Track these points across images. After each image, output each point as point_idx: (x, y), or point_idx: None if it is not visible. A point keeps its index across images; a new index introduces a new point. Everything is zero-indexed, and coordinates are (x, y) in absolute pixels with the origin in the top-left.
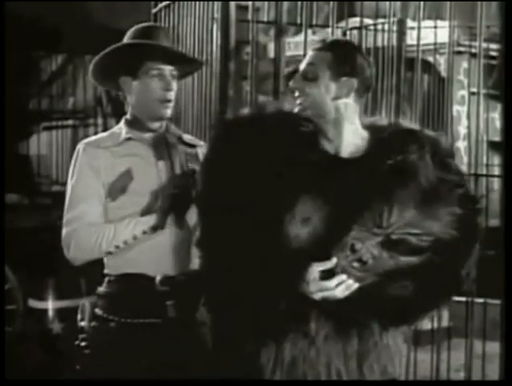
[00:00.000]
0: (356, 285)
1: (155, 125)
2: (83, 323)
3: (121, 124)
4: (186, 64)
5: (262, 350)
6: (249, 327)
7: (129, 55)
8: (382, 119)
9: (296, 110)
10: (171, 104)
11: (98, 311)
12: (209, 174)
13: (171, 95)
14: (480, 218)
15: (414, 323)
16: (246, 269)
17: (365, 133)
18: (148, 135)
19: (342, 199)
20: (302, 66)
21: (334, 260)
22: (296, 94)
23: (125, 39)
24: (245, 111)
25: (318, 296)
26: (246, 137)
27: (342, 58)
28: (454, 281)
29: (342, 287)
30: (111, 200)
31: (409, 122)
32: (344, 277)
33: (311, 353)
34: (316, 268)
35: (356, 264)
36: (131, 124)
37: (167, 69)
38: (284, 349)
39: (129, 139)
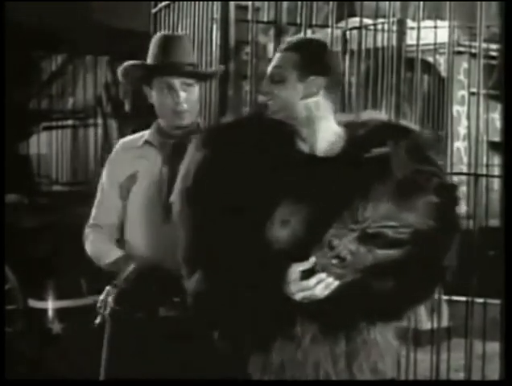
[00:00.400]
0: (336, 283)
1: (176, 132)
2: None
3: (152, 126)
4: (196, 76)
5: (250, 355)
6: (236, 332)
7: (141, 70)
8: (362, 115)
9: (268, 113)
10: (186, 114)
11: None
12: (190, 182)
13: (182, 106)
14: (458, 207)
15: (401, 318)
16: (230, 275)
17: (341, 131)
18: (169, 141)
19: (319, 198)
20: (269, 68)
21: (313, 260)
22: (266, 97)
23: (150, 47)
24: (223, 119)
25: (299, 296)
26: (224, 145)
27: (308, 57)
28: (436, 273)
29: (321, 286)
30: (123, 200)
31: (387, 116)
32: (323, 275)
33: (298, 356)
34: (296, 269)
35: (335, 261)
36: (157, 128)
37: (177, 82)
38: (272, 353)
39: (146, 142)
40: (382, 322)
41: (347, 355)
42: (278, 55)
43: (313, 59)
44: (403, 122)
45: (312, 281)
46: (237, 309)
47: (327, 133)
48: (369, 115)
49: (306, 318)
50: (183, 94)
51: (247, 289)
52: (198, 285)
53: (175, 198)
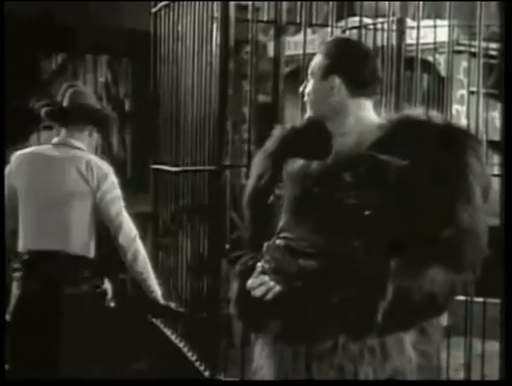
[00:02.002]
0: (277, 289)
1: None
2: None
3: None
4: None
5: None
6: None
7: None
8: (401, 113)
9: (307, 114)
10: None
11: None
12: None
13: None
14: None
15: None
16: None
17: (373, 129)
18: None
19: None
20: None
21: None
22: (305, 98)
23: None
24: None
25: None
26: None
27: (327, 56)
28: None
29: (262, 288)
30: None
31: (422, 114)
32: (265, 278)
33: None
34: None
35: (266, 266)
36: None
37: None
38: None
39: None
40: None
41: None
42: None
43: (330, 58)
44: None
45: (255, 281)
46: None
47: (353, 130)
48: (406, 112)
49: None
50: None
51: None
52: None
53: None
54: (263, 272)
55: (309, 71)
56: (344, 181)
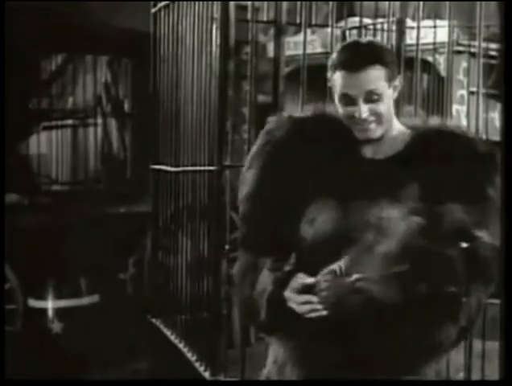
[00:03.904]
0: (323, 313)
1: None
2: None
3: None
4: None
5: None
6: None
7: None
8: (430, 121)
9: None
10: None
11: None
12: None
13: None
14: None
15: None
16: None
17: (405, 133)
18: None
19: (352, 199)
20: None
21: (313, 279)
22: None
23: None
24: (296, 112)
25: (289, 303)
26: (287, 137)
27: (384, 64)
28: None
29: (307, 307)
30: None
31: (455, 126)
32: (314, 298)
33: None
34: (299, 279)
35: (323, 295)
36: None
37: None
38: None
39: None
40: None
41: None
42: None
43: (389, 65)
44: (470, 134)
45: (301, 298)
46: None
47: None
48: (438, 122)
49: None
50: None
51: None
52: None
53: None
54: (317, 293)
55: (369, 90)
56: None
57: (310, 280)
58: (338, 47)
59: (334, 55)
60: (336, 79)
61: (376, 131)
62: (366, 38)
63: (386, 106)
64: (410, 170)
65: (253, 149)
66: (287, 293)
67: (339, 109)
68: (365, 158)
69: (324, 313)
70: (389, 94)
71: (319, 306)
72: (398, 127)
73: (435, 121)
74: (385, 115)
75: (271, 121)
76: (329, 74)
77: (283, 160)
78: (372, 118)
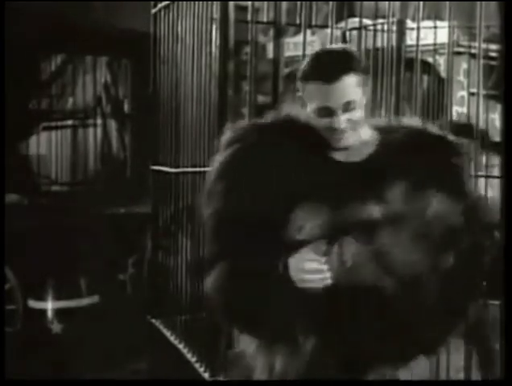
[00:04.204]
0: (330, 281)
1: None
2: None
3: None
4: None
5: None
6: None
7: None
8: (396, 121)
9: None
10: None
11: None
12: (223, 179)
13: None
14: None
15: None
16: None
17: (373, 134)
18: None
19: (337, 204)
20: None
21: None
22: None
23: None
24: (255, 119)
25: (297, 276)
26: (252, 145)
27: (358, 71)
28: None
29: (318, 276)
30: None
31: (422, 123)
32: (324, 267)
33: (300, 362)
34: (306, 252)
35: (337, 261)
36: None
37: None
38: (275, 359)
39: None
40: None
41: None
42: None
43: (362, 70)
44: (438, 131)
45: (312, 264)
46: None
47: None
48: (404, 121)
49: (307, 327)
50: None
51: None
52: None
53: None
54: (327, 262)
55: (348, 101)
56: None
57: (323, 246)
58: (309, 56)
59: (305, 65)
60: (311, 91)
61: (351, 138)
62: (335, 45)
63: (360, 112)
64: (386, 170)
65: (220, 159)
66: (294, 263)
67: (314, 120)
68: (339, 161)
69: (330, 281)
70: (362, 100)
71: (329, 274)
72: (365, 129)
73: (396, 120)
74: (359, 122)
75: (233, 129)
76: (300, 84)
77: (258, 169)
78: (348, 126)
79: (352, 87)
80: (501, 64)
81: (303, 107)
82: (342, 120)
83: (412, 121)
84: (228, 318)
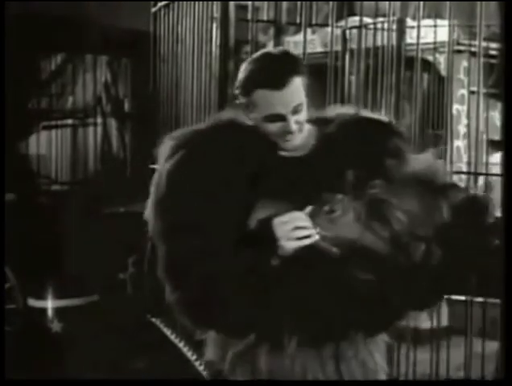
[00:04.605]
0: (315, 239)
1: None
2: None
3: None
4: None
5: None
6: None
7: None
8: (329, 111)
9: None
10: None
11: None
12: (170, 187)
13: None
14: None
15: (387, 328)
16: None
17: (310, 128)
18: None
19: (293, 199)
20: None
21: (308, 209)
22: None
23: None
24: (200, 124)
25: (286, 243)
26: (197, 151)
27: (302, 74)
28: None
29: (304, 232)
30: None
31: (355, 109)
32: (309, 223)
33: (285, 362)
34: (287, 215)
35: (325, 210)
36: None
37: None
38: (259, 360)
39: None
40: (371, 331)
41: (335, 357)
42: None
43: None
44: (372, 114)
45: (298, 222)
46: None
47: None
48: (336, 110)
49: (291, 325)
50: None
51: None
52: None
53: (148, 211)
54: (312, 216)
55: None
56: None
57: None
58: (248, 62)
59: (248, 72)
60: (259, 98)
61: (298, 138)
62: (275, 48)
63: (305, 112)
64: (333, 160)
65: (168, 168)
66: (279, 223)
67: (262, 125)
68: (286, 157)
69: (315, 239)
70: (306, 100)
71: (314, 230)
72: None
73: (333, 109)
74: (304, 122)
75: (173, 137)
76: (243, 92)
77: (208, 173)
78: (297, 128)
79: (298, 90)
80: (502, 64)
81: (245, 114)
82: (292, 123)
83: (346, 108)
84: (205, 323)
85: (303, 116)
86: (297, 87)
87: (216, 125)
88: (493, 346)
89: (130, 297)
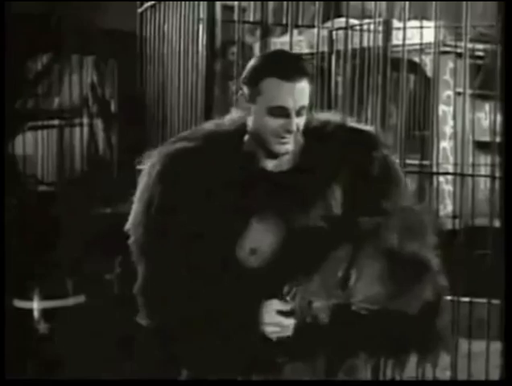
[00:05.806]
0: (287, 333)
1: None
2: None
3: None
4: None
5: None
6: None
7: None
8: (315, 118)
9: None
10: None
11: None
12: (151, 214)
13: None
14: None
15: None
16: (199, 310)
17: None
18: None
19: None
20: None
21: (290, 306)
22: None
23: None
24: (174, 143)
25: (269, 329)
26: (182, 172)
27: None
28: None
29: (277, 329)
30: None
31: (341, 117)
32: (283, 321)
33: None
34: (273, 305)
35: (309, 320)
36: None
37: None
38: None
39: None
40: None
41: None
42: None
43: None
44: (357, 124)
45: (287, 321)
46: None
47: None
48: (323, 116)
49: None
50: None
51: (219, 324)
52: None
53: (131, 227)
54: (298, 316)
55: (302, 105)
56: None
57: (287, 305)
58: (260, 55)
59: (259, 61)
60: (269, 87)
61: (291, 145)
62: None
63: (304, 119)
64: (317, 175)
65: (154, 192)
66: (267, 318)
67: (262, 120)
68: (270, 173)
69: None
70: (307, 106)
71: (286, 325)
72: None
73: (320, 116)
74: (301, 129)
75: (153, 154)
76: (250, 82)
77: (195, 191)
78: (295, 132)
79: (306, 91)
80: (502, 65)
81: (241, 109)
82: (294, 123)
83: (330, 115)
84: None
85: (302, 121)
86: (305, 88)
87: (195, 145)
88: (479, 345)
89: (116, 298)
